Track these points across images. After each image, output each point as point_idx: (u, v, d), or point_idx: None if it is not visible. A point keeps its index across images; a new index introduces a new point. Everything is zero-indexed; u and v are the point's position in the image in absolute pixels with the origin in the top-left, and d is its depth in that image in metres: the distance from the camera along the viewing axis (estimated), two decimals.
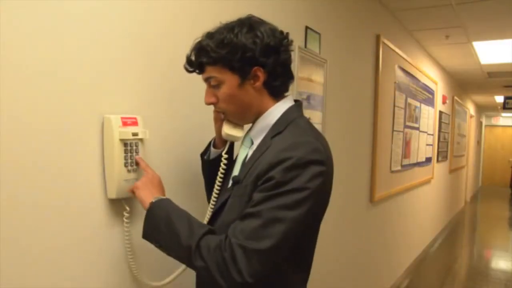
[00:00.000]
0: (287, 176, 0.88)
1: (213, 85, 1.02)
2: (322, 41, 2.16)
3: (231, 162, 1.13)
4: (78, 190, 0.98)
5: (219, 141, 1.17)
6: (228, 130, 1.07)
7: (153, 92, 1.17)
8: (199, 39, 1.03)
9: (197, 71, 1.05)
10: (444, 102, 5.71)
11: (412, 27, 3.80)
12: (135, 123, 1.06)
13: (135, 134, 1.04)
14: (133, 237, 1.10)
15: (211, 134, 1.20)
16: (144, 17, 1.13)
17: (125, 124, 1.04)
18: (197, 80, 1.08)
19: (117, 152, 1.02)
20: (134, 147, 1.06)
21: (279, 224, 0.86)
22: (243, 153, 1.08)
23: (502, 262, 5.06)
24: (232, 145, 1.15)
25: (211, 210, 1.09)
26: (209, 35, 1.01)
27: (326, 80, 2.22)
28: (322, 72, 2.18)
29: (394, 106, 3.43)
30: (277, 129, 1.01)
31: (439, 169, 5.52)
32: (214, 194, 1.10)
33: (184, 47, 1.10)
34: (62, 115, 0.94)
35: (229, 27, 1.00)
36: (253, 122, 1.07)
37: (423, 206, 4.81)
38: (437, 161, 5.36)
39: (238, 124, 1.09)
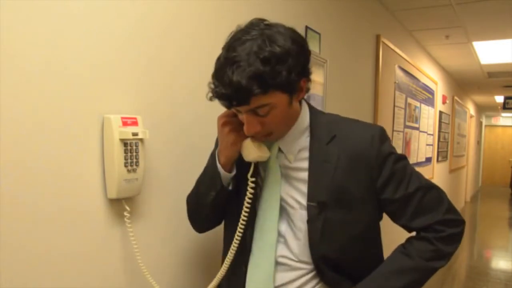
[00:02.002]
0: (396, 152, 1.03)
1: (260, 114, 0.90)
2: (322, 41, 2.16)
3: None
4: (78, 190, 0.98)
5: (230, 163, 1.03)
6: (260, 151, 0.97)
7: (153, 92, 1.17)
8: (238, 62, 0.83)
9: (235, 102, 0.88)
10: (444, 102, 5.71)
11: (412, 27, 3.80)
12: (135, 123, 1.06)
13: (135, 134, 1.04)
14: (138, 236, 1.09)
15: (212, 134, 1.19)
16: (145, 17, 1.13)
17: (125, 124, 1.04)
18: (197, 80, 1.08)
19: (117, 152, 1.02)
20: (134, 147, 1.06)
21: (425, 179, 1.08)
22: (274, 168, 1.01)
23: (502, 262, 5.06)
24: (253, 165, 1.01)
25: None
26: (252, 55, 0.83)
27: (326, 80, 2.22)
28: (322, 72, 2.18)
29: (394, 106, 3.43)
30: (328, 132, 1.00)
31: (439, 169, 5.52)
32: (241, 221, 0.99)
33: (185, 47, 1.10)
34: (62, 115, 0.94)
35: (269, 38, 0.85)
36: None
37: None
38: (437, 161, 5.36)
39: (261, 142, 0.99)
